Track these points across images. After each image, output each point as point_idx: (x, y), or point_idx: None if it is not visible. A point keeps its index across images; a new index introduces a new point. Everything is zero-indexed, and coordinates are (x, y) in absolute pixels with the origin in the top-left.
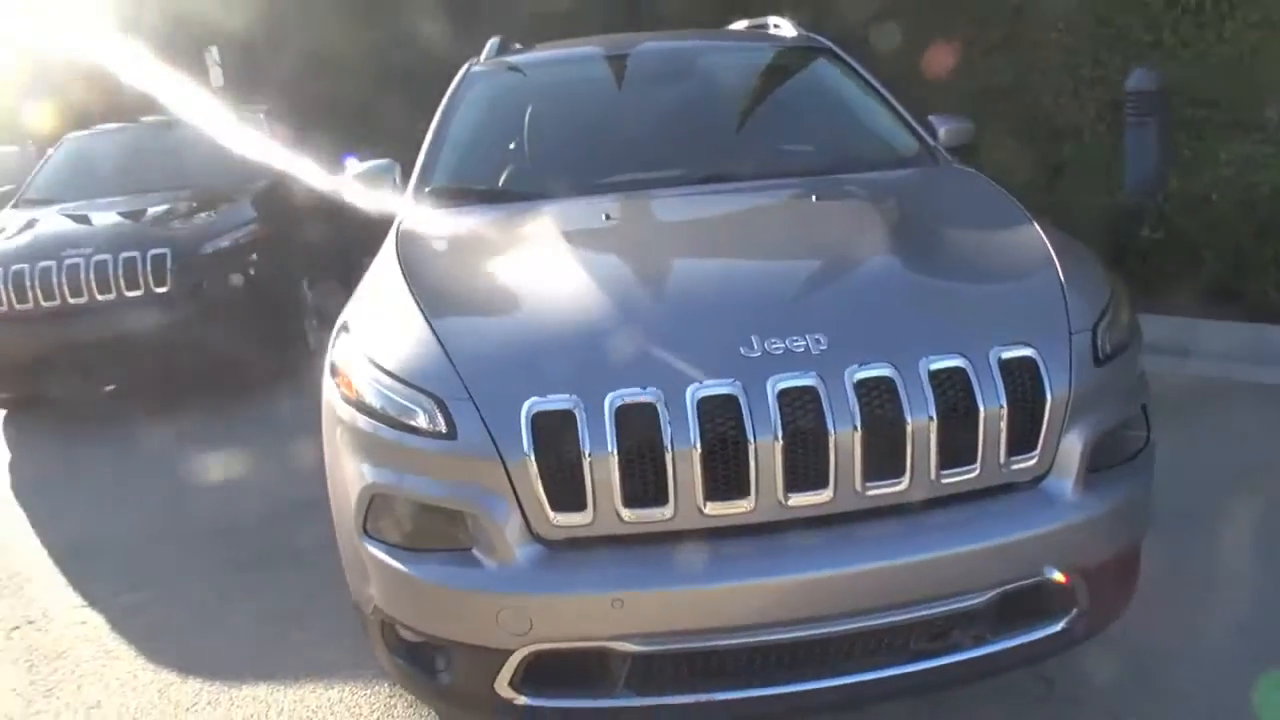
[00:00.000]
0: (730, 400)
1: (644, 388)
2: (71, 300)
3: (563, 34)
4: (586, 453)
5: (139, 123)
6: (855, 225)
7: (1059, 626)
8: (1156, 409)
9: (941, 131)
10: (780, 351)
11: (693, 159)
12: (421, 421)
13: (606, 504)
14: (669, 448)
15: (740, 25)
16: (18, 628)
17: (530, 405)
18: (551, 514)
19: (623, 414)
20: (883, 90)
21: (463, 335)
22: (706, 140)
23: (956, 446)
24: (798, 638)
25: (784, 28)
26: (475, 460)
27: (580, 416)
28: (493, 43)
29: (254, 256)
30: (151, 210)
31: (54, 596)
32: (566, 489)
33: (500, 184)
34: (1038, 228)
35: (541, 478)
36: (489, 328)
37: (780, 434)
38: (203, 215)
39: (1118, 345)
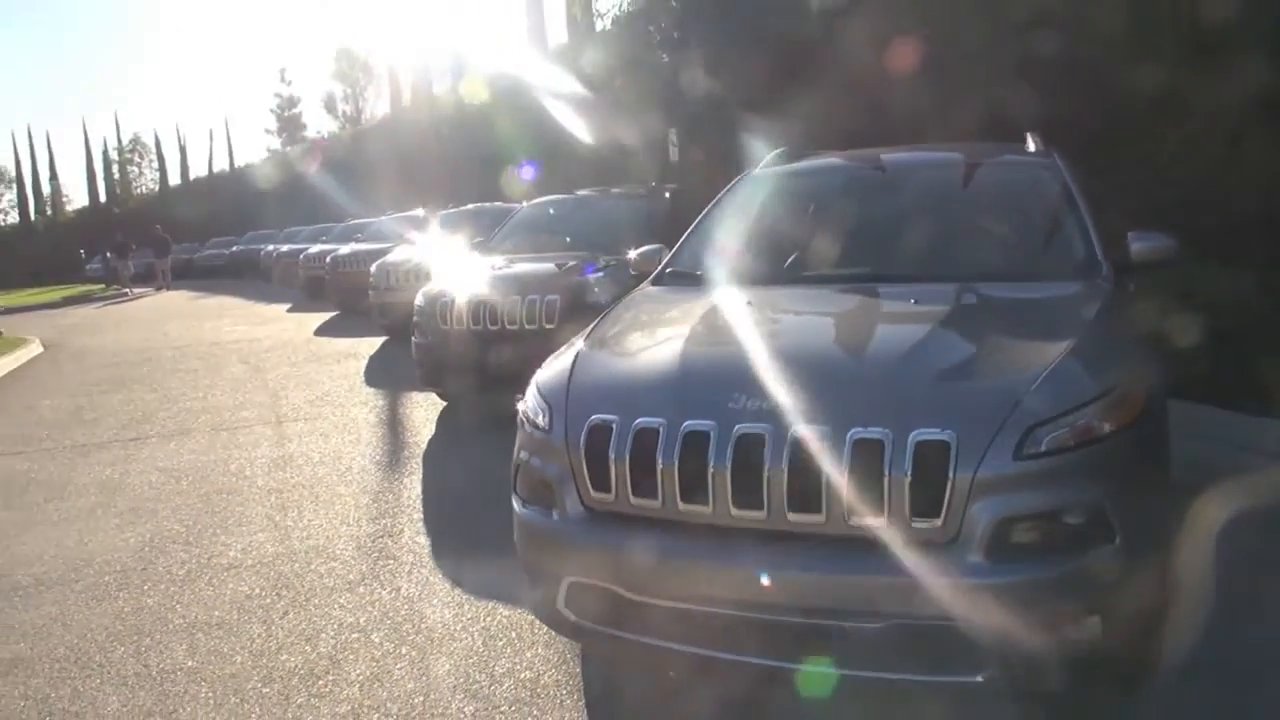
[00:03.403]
0: (704, 435)
1: (654, 418)
2: (491, 328)
3: None
4: (612, 455)
5: (574, 195)
6: (911, 323)
7: (976, 678)
8: None
9: (1134, 248)
10: (755, 408)
11: (870, 261)
12: (540, 420)
13: (623, 491)
14: (660, 460)
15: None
16: (381, 537)
17: (591, 419)
18: (591, 492)
19: (638, 434)
20: (1081, 206)
21: (584, 369)
22: (892, 245)
23: (869, 500)
24: (736, 616)
25: (1028, 142)
26: (557, 449)
27: (614, 430)
28: (774, 153)
29: None
30: (557, 266)
31: (412, 522)
32: (601, 477)
33: (713, 272)
34: (1068, 343)
35: (588, 467)
36: (601, 365)
37: (729, 464)
38: (597, 273)
39: (1062, 445)
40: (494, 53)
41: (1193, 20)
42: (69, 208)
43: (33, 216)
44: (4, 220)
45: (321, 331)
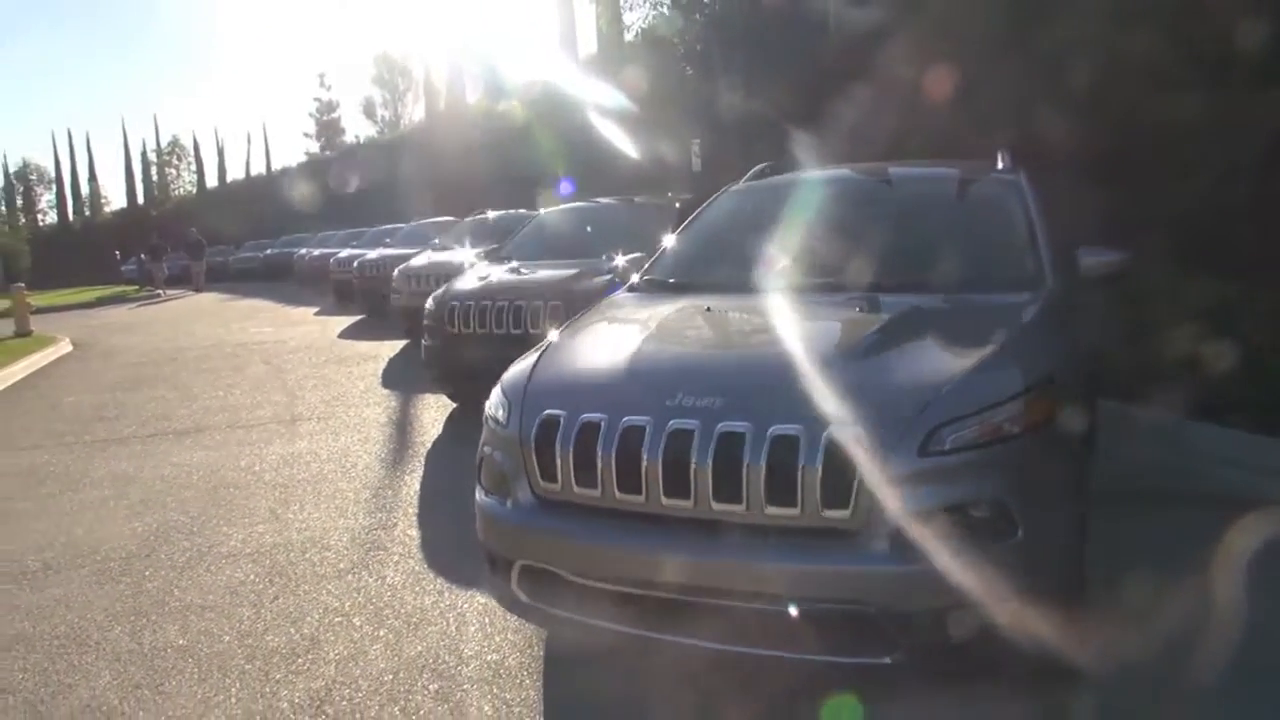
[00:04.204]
0: (641, 429)
1: (598, 413)
2: (496, 331)
3: None
4: (558, 447)
5: (594, 202)
6: (849, 329)
7: (885, 660)
8: None
9: (1083, 262)
10: (689, 405)
11: (830, 272)
12: (500, 415)
13: (567, 481)
14: (600, 452)
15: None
16: (375, 529)
17: (542, 414)
18: (541, 482)
19: (582, 428)
20: (1035, 222)
21: (545, 368)
22: (851, 257)
23: (785, 491)
24: (664, 599)
25: (997, 159)
26: (512, 442)
27: (561, 424)
28: (756, 169)
29: None
30: (561, 273)
31: (406, 516)
32: (550, 468)
33: (684, 280)
34: (990, 350)
35: (537, 458)
36: (559, 366)
37: (661, 456)
38: (597, 280)
39: (967, 444)
40: (527, 62)
41: (1203, 50)
42: (107, 209)
43: (71, 217)
44: (43, 221)
45: (346, 334)
